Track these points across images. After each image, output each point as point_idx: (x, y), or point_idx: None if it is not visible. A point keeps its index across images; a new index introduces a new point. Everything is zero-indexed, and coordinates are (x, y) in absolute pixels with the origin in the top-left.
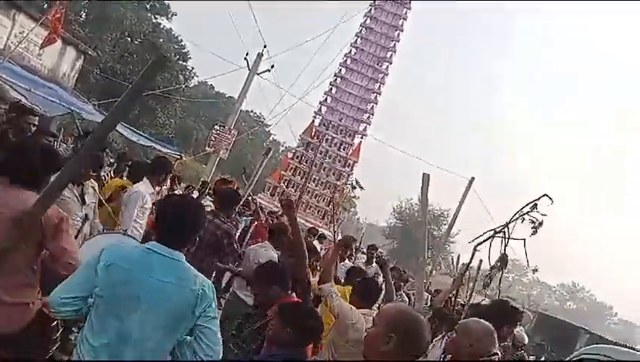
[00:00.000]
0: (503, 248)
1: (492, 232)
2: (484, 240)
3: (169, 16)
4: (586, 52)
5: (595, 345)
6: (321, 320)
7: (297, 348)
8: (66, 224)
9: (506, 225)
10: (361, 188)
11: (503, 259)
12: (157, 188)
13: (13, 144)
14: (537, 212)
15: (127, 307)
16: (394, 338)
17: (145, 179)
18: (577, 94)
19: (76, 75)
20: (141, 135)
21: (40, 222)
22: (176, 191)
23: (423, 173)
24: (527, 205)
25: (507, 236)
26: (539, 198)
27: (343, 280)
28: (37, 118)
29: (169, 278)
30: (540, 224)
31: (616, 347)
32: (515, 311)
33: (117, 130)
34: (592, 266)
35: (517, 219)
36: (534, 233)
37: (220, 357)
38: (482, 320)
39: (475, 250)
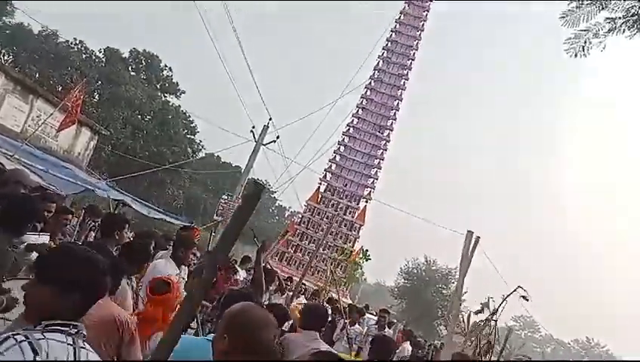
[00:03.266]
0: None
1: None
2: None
3: (178, 94)
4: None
5: None
6: None
7: None
8: (137, 331)
9: (494, 313)
10: (368, 258)
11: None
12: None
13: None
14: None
15: None
16: (226, 338)
17: (168, 256)
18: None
19: (90, 154)
20: (152, 208)
21: (119, 327)
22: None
23: (468, 231)
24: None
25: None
26: (513, 291)
27: (355, 346)
28: (54, 205)
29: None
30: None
31: None
32: None
33: (128, 205)
34: (605, 320)
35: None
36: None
37: None
38: None
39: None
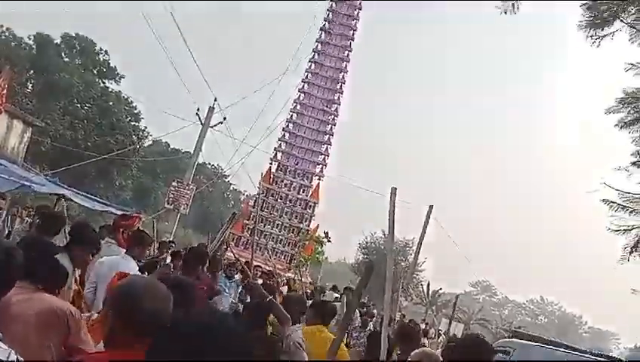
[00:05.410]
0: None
1: None
2: None
3: (117, 78)
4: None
5: (505, 339)
6: None
7: None
8: (84, 321)
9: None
10: (329, 239)
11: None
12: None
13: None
14: None
15: None
16: (109, 313)
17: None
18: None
19: (25, 147)
20: (96, 200)
21: (62, 318)
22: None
23: (392, 187)
24: None
25: None
26: None
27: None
28: (3, 201)
29: None
30: None
31: (523, 342)
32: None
33: (70, 199)
34: (557, 279)
35: None
36: None
37: None
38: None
39: None
